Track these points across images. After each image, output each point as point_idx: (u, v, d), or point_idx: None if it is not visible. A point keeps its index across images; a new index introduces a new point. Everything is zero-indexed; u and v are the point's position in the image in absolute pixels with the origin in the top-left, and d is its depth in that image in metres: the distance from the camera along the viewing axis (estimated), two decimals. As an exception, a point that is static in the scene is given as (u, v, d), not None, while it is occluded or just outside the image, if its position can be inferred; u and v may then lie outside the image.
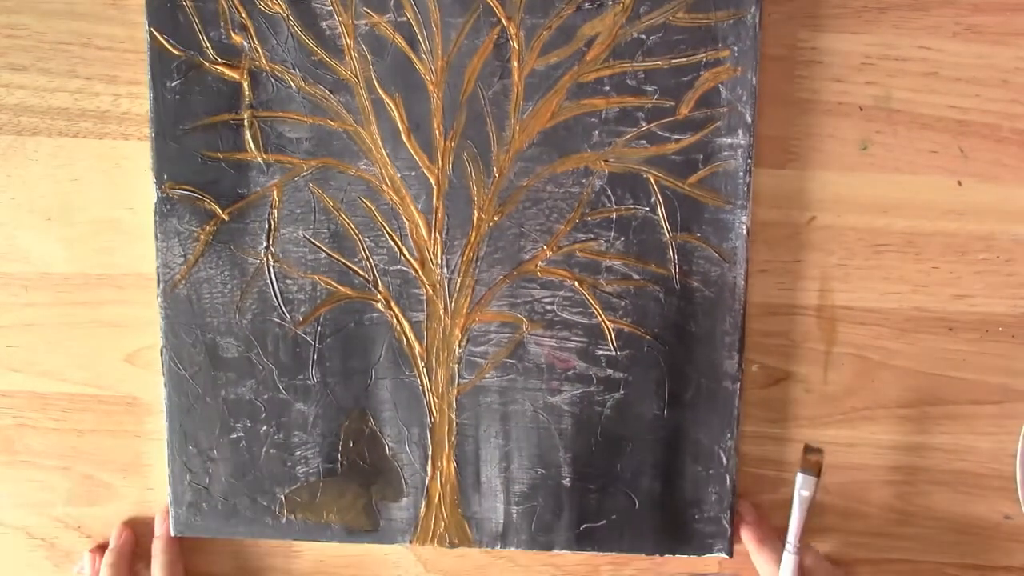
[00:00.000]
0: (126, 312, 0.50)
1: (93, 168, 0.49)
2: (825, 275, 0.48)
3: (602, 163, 0.47)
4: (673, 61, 0.46)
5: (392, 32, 0.46)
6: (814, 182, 0.48)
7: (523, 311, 0.48)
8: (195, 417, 0.49)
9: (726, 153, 0.46)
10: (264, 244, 0.48)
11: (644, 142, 0.46)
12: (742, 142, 0.46)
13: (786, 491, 0.50)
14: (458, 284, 0.48)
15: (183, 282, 0.48)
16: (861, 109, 0.47)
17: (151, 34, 0.46)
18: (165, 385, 0.49)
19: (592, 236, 0.47)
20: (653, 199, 0.47)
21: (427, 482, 0.49)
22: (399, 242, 0.48)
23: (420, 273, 0.48)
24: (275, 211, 0.48)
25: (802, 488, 0.46)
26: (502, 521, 0.49)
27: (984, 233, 0.48)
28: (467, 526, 0.49)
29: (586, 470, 0.48)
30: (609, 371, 0.48)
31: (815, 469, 0.46)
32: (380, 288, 0.48)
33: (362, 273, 0.48)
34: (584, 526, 0.48)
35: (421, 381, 0.48)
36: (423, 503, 0.49)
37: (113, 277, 0.50)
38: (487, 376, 0.48)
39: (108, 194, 0.49)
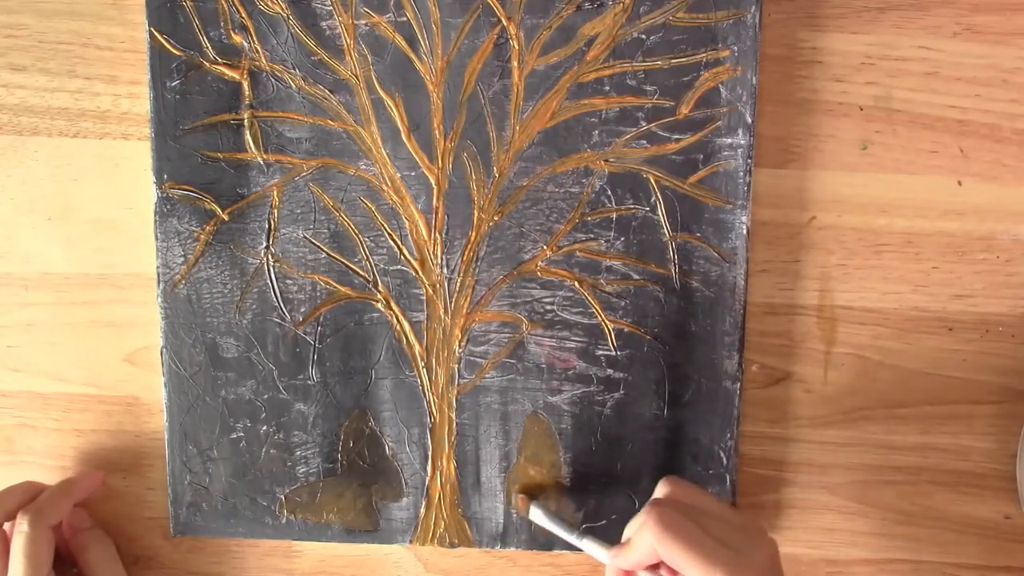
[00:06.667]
0: (126, 312, 0.50)
1: (93, 168, 0.49)
2: (825, 275, 0.48)
3: (602, 163, 0.47)
4: (673, 61, 0.46)
5: (392, 32, 0.46)
6: (814, 182, 0.48)
7: (523, 311, 0.48)
8: (195, 417, 0.49)
9: (726, 153, 0.46)
10: (264, 244, 0.48)
11: (644, 142, 0.46)
12: (742, 142, 0.46)
13: (786, 491, 0.50)
14: (458, 284, 0.48)
15: (183, 282, 0.48)
16: (861, 109, 0.47)
17: (151, 34, 0.46)
18: (165, 385, 0.49)
19: (592, 236, 0.47)
20: (653, 199, 0.47)
21: (427, 482, 0.49)
22: (399, 242, 0.48)
23: (420, 273, 0.48)
24: (275, 211, 0.48)
25: (539, 520, 0.47)
26: (502, 521, 0.49)
27: (984, 233, 0.48)
28: (467, 526, 0.49)
29: (586, 470, 0.48)
30: (609, 371, 0.48)
31: (524, 505, 0.48)
32: (380, 288, 0.48)
33: (362, 273, 0.48)
34: (584, 526, 0.48)
35: (421, 381, 0.48)
36: (423, 503, 0.49)
37: (113, 277, 0.50)
38: (487, 376, 0.48)
39: (108, 194, 0.50)
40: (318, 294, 0.48)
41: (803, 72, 0.47)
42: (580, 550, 0.44)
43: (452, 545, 0.49)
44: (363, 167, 0.47)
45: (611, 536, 0.48)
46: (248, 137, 0.47)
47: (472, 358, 0.48)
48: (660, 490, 0.43)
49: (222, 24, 0.46)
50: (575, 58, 0.46)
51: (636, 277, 0.47)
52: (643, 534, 0.39)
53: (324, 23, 0.46)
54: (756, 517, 0.50)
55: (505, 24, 0.46)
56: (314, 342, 0.48)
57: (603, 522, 0.48)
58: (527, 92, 0.46)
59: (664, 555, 0.38)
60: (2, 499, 0.47)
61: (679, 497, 0.41)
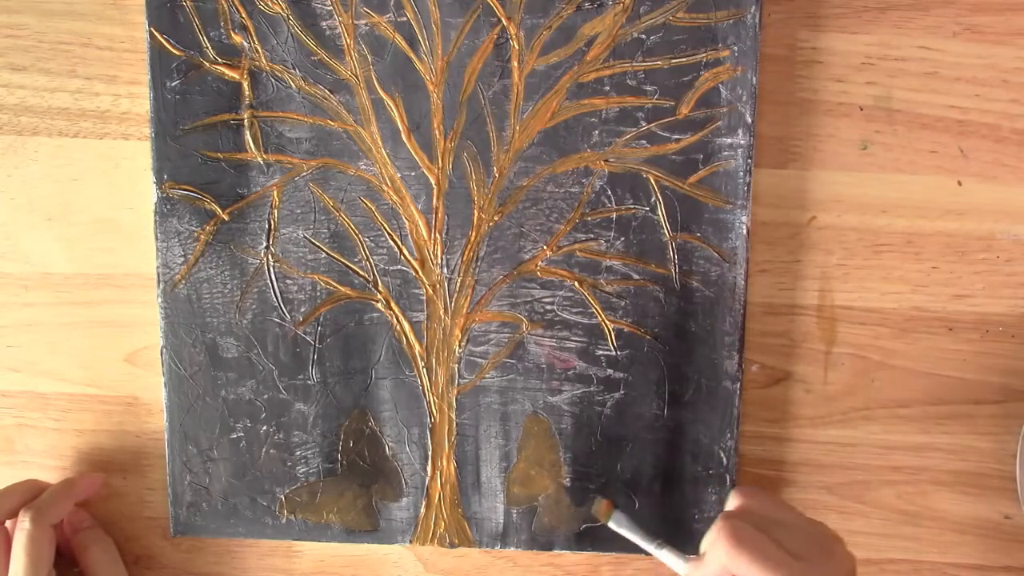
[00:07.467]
0: (126, 312, 0.50)
1: (93, 168, 0.49)
2: (825, 275, 0.48)
3: (602, 163, 0.47)
4: (673, 61, 0.46)
5: (392, 32, 0.46)
6: (814, 182, 0.48)
7: (523, 311, 0.48)
8: (195, 417, 0.49)
9: (726, 153, 0.46)
10: (264, 244, 0.48)
11: (644, 142, 0.46)
12: (742, 142, 0.46)
13: (786, 491, 0.50)
14: (458, 284, 0.48)
15: (183, 282, 0.48)
16: (861, 109, 0.47)
17: (151, 34, 0.46)
18: (165, 385, 0.49)
19: (592, 236, 0.47)
20: (653, 199, 0.47)
21: (427, 482, 0.49)
22: (399, 242, 0.48)
23: (420, 273, 0.48)
24: (275, 211, 0.48)
25: (619, 527, 0.47)
26: (502, 521, 0.49)
27: (984, 233, 0.48)
28: (467, 526, 0.49)
29: (586, 470, 0.48)
30: (609, 371, 0.48)
31: (608, 510, 0.47)
32: (380, 288, 0.48)
33: (362, 273, 0.48)
34: (584, 526, 0.48)
35: (421, 381, 0.48)
36: (423, 503, 0.49)
37: (113, 277, 0.50)
38: (487, 376, 0.48)
39: (108, 194, 0.50)
40: (318, 294, 0.48)
41: (803, 72, 0.47)
42: (583, 552, 0.44)
43: (452, 545, 0.49)
44: (363, 167, 0.47)
45: (611, 536, 0.48)
46: (248, 137, 0.47)
47: (472, 358, 0.48)
48: (732, 501, 0.42)
49: (222, 24, 0.46)
50: (575, 58, 0.46)
51: (636, 277, 0.47)
52: (716, 549, 0.38)
53: (324, 23, 0.46)
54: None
55: (505, 24, 0.46)
56: (314, 342, 0.48)
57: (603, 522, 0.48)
58: (527, 92, 0.46)
59: (736, 571, 0.38)
60: (4, 497, 0.48)
61: (751, 508, 0.41)
